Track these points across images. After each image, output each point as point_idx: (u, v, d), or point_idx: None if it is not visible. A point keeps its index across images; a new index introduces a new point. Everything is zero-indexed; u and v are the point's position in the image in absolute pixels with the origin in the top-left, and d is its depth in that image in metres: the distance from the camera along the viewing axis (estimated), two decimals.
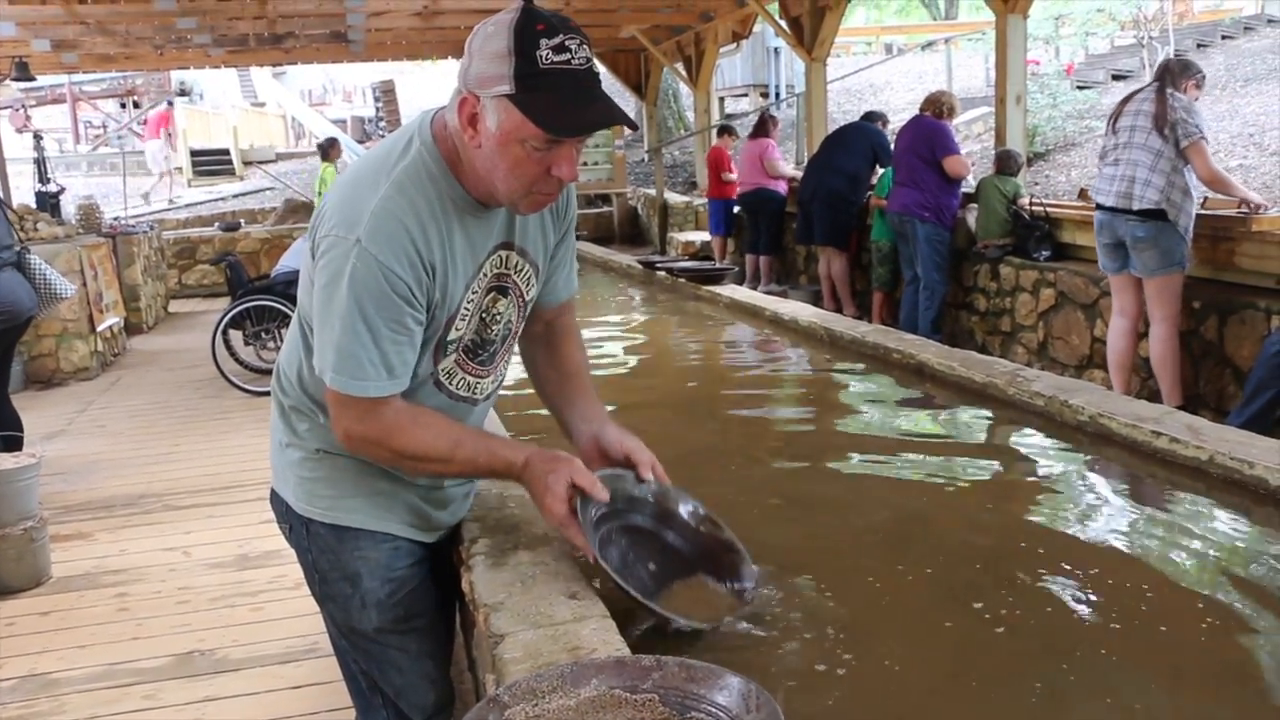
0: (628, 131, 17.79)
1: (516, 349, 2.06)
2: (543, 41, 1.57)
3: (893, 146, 8.04)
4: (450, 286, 1.74)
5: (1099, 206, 5.50)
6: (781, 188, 9.83)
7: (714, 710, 1.33)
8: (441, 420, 1.79)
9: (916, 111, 7.70)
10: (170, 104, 22.15)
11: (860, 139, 8.61)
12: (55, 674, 3.40)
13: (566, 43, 1.58)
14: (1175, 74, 5.34)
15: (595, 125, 1.64)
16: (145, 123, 21.54)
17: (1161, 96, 5.23)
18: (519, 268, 1.88)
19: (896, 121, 11.87)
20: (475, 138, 1.66)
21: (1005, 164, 7.12)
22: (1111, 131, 5.51)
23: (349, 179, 1.75)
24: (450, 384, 1.87)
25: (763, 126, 10.01)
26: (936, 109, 7.40)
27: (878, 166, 8.50)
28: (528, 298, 1.93)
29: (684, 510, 1.94)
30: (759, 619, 1.81)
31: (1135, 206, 5.22)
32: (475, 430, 1.89)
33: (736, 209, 10.62)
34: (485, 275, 1.81)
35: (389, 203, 1.66)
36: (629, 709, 1.33)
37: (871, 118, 9.00)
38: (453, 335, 1.81)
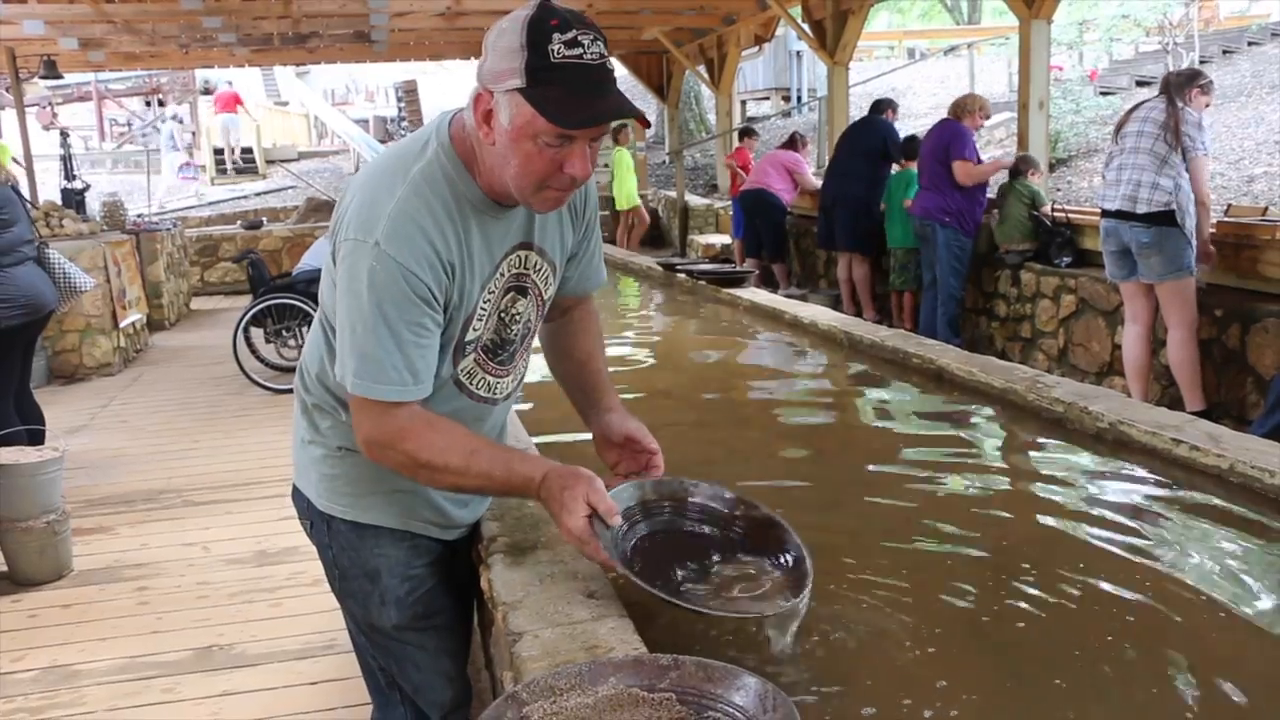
0: (649, 134, 17.83)
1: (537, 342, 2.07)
2: (555, 36, 1.56)
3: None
4: (467, 287, 1.75)
5: (1104, 213, 5.49)
6: (785, 196, 9.78)
7: (731, 710, 1.33)
8: (458, 429, 1.77)
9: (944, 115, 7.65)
10: (229, 82, 22.83)
11: (870, 137, 8.53)
12: (76, 666, 3.43)
13: (579, 37, 1.57)
14: (1179, 85, 5.31)
15: (604, 118, 1.63)
16: (215, 100, 22.26)
17: (1173, 108, 5.22)
18: (538, 267, 1.88)
19: (916, 125, 11.81)
20: (490, 134, 1.66)
21: (1019, 167, 7.08)
22: (1117, 139, 5.51)
23: (366, 181, 1.75)
24: (471, 384, 1.87)
25: (792, 143, 10.02)
26: (956, 111, 7.36)
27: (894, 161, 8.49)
28: (546, 297, 1.93)
29: (708, 499, 1.88)
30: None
31: (1140, 210, 5.22)
32: (493, 443, 1.85)
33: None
34: (503, 275, 1.81)
35: (405, 205, 1.67)
36: (646, 708, 1.33)
37: (879, 108, 8.84)
38: (470, 336, 1.81)
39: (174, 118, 21.57)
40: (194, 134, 23.51)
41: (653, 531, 1.83)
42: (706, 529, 1.87)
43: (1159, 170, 5.18)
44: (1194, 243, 5.16)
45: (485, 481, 1.77)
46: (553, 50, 1.56)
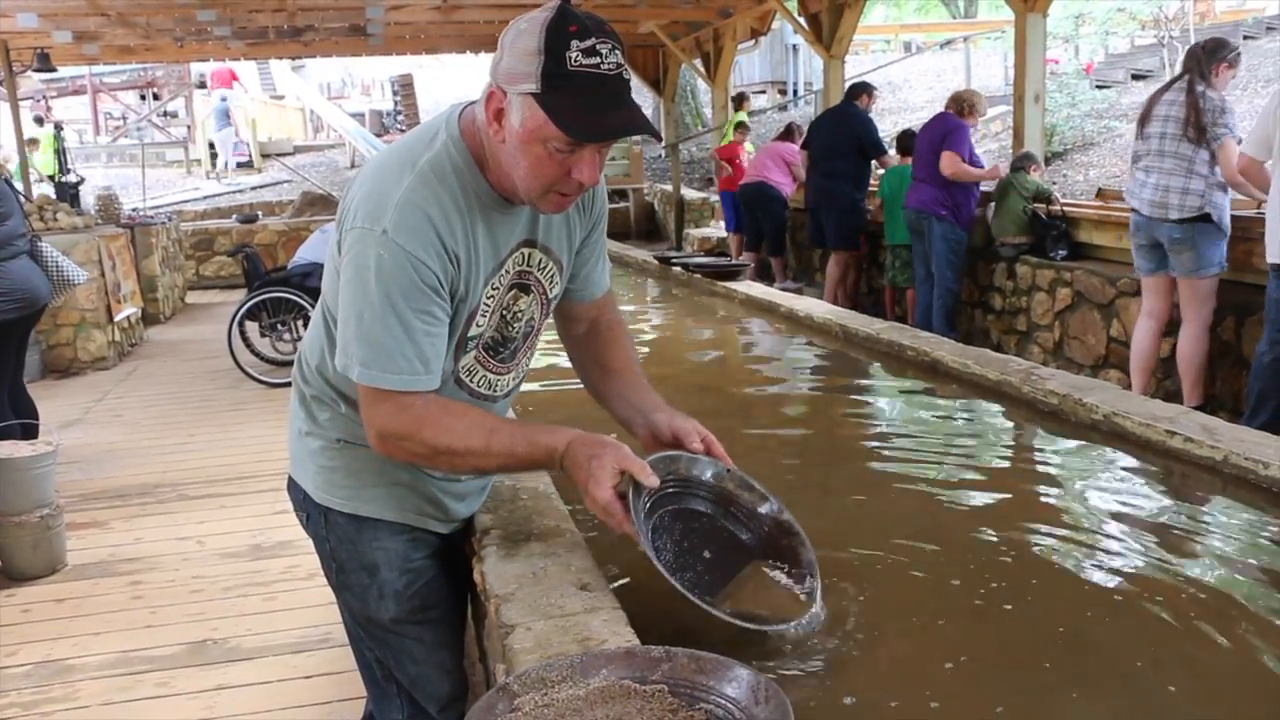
0: None
1: (544, 345, 2.05)
2: (573, 43, 1.55)
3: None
4: (471, 280, 1.74)
5: (1135, 212, 5.37)
6: (785, 188, 9.75)
7: (723, 702, 1.33)
8: (473, 410, 1.77)
9: (941, 108, 7.58)
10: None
11: (843, 134, 8.42)
12: (70, 660, 3.43)
13: (598, 46, 1.56)
14: (1204, 61, 5.14)
15: (616, 133, 1.62)
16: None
17: (1192, 96, 5.09)
18: (542, 265, 1.87)
19: (912, 119, 11.79)
20: (500, 132, 1.65)
21: (1019, 163, 7.08)
22: (1141, 135, 5.34)
23: (374, 171, 1.74)
24: (471, 381, 1.87)
25: (789, 134, 10.01)
26: (958, 106, 7.31)
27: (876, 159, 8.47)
28: (551, 295, 1.92)
29: (743, 490, 1.85)
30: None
31: (1173, 216, 5.10)
32: (509, 420, 1.83)
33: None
34: (507, 272, 1.81)
35: (413, 194, 1.66)
36: (638, 699, 1.33)
37: (854, 93, 8.67)
38: (473, 331, 1.80)
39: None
40: (189, 127, 23.47)
41: (676, 509, 1.80)
42: (729, 520, 1.84)
43: (1188, 174, 5.07)
44: (1227, 233, 5.09)
45: (508, 459, 1.75)
46: (570, 58, 1.55)
